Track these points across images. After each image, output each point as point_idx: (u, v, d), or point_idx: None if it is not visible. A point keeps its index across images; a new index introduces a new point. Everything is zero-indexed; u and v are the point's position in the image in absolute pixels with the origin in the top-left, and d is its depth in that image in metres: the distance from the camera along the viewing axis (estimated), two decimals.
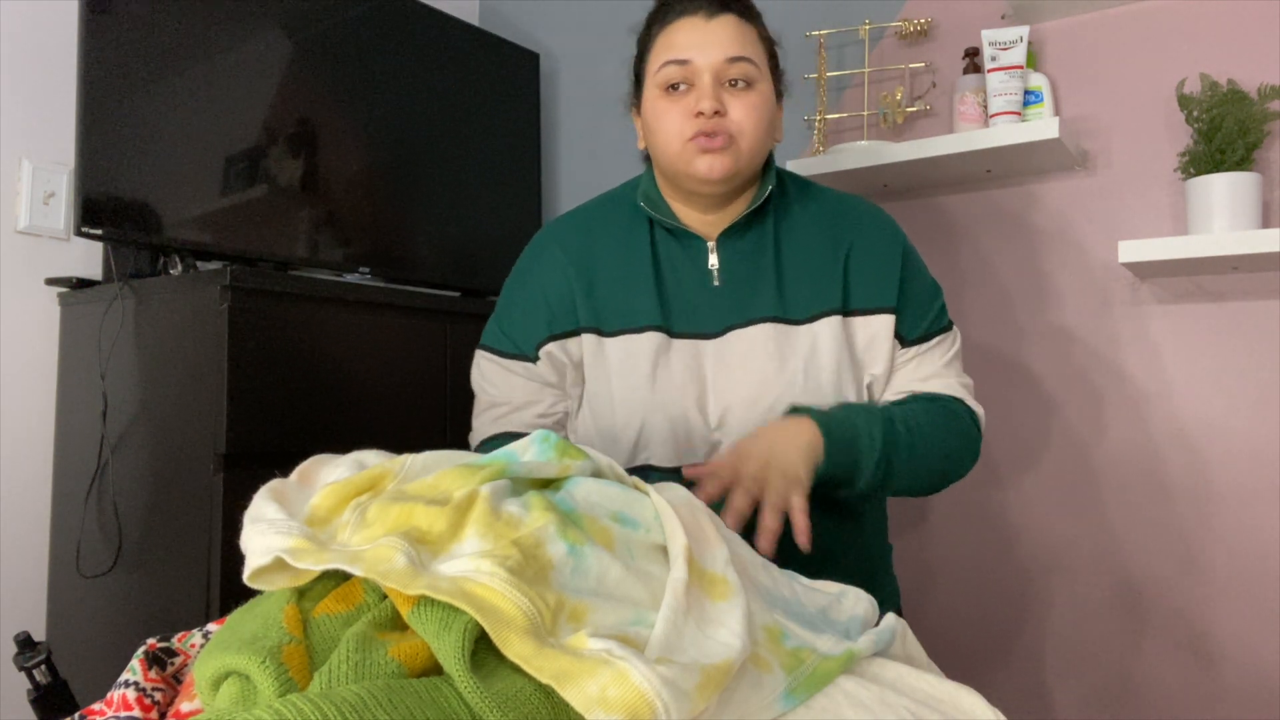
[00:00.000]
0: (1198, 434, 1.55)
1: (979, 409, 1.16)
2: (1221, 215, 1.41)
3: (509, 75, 2.17)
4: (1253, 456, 1.51)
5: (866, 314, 1.12)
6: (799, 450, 0.97)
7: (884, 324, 1.12)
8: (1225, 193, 1.41)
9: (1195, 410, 1.56)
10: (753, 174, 1.11)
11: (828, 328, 1.09)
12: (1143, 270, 1.53)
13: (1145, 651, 1.57)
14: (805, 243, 1.14)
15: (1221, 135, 1.43)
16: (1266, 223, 1.47)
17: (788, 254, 1.13)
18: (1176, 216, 1.57)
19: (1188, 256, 1.41)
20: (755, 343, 1.09)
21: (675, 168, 1.08)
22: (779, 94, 1.14)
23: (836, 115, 1.85)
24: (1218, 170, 1.43)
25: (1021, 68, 1.58)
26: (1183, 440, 1.56)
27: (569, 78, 2.31)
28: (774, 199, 1.15)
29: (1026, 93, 1.61)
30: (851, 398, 1.10)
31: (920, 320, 1.14)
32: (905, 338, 1.13)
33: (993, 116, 1.60)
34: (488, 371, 1.20)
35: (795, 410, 1.04)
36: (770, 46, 1.12)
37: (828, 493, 1.04)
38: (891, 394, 1.14)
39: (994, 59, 1.59)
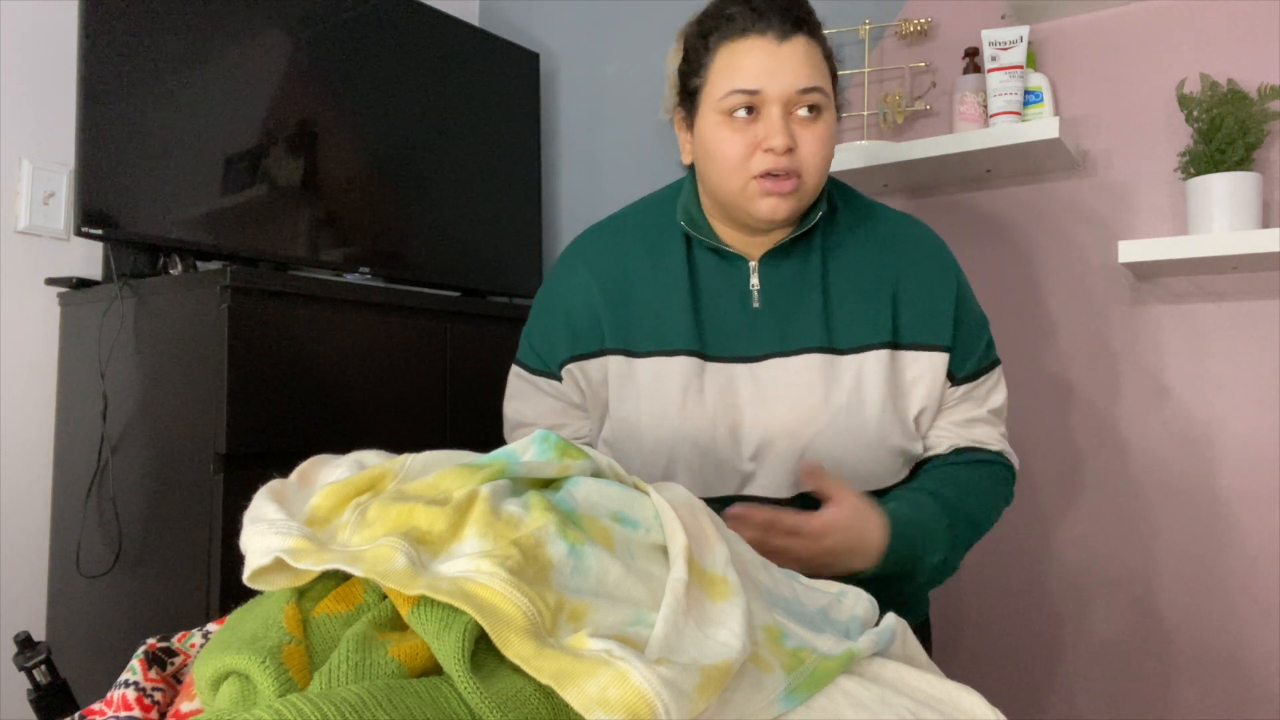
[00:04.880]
0: (1198, 434, 1.55)
1: (1015, 462, 1.15)
2: (1221, 215, 1.41)
3: (509, 75, 2.17)
4: (1254, 457, 1.50)
5: (918, 349, 1.07)
6: (862, 558, 0.96)
7: (937, 361, 1.07)
8: (1225, 193, 1.41)
9: (1196, 410, 1.56)
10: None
11: (875, 360, 1.04)
12: (1143, 270, 1.53)
13: (1158, 653, 1.57)
14: (853, 268, 1.08)
15: (1221, 135, 1.43)
16: (1266, 223, 1.47)
17: (835, 279, 1.07)
18: (1176, 216, 1.57)
19: (1188, 256, 1.41)
20: (800, 373, 1.04)
21: (734, 201, 1.02)
22: (838, 112, 1.08)
23: None
24: (1218, 170, 1.43)
25: (1021, 68, 1.58)
26: (1183, 440, 1.56)
27: (569, 78, 2.31)
28: (823, 218, 1.09)
29: (1026, 93, 1.61)
30: (896, 432, 1.06)
31: (970, 356, 1.10)
32: (955, 375, 1.09)
33: (993, 116, 1.60)
34: (518, 389, 1.17)
35: (879, 500, 1.01)
36: (832, 63, 1.05)
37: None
38: (938, 434, 1.11)
39: (994, 59, 1.59)
